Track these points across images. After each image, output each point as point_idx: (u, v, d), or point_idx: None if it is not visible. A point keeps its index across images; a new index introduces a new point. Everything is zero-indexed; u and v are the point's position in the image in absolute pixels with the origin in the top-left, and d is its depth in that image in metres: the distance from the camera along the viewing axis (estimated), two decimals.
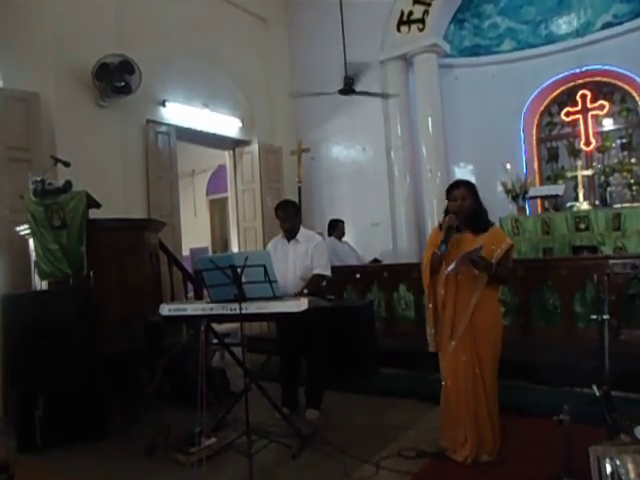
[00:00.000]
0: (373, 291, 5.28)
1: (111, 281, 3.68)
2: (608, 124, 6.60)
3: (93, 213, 3.68)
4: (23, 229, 3.74)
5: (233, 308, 2.67)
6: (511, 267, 2.67)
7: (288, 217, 3.46)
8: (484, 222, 2.63)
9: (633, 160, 6.28)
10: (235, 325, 4.20)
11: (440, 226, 2.65)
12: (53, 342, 3.17)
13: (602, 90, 6.61)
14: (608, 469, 1.77)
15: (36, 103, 4.47)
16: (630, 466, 1.74)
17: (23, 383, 3.18)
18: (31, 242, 3.68)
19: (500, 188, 6.37)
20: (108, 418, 3.26)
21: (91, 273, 3.47)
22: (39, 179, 3.56)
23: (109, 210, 3.90)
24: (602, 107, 6.52)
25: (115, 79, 4.80)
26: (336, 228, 6.00)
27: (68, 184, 3.66)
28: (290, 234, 3.49)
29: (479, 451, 2.50)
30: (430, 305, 2.67)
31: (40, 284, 3.70)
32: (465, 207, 2.57)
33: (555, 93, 6.91)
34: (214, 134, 6.53)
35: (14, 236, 3.92)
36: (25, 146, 4.36)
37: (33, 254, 3.69)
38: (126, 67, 4.84)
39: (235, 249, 7.05)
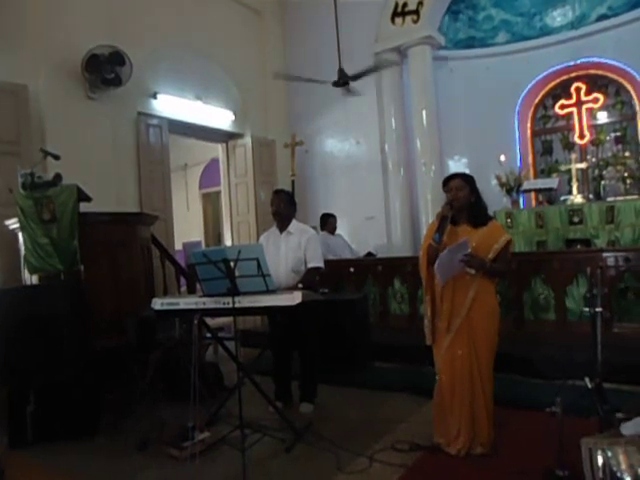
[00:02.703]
0: (367, 285, 5.28)
1: (103, 275, 3.65)
2: (602, 117, 6.60)
3: (84, 207, 3.64)
4: (12, 223, 3.70)
5: (226, 302, 2.65)
6: (509, 261, 2.67)
7: (279, 202, 3.47)
8: (483, 216, 2.61)
9: (627, 153, 6.29)
10: (228, 319, 4.21)
11: None
12: (44, 337, 3.14)
13: (597, 83, 6.60)
14: (600, 460, 1.78)
15: (25, 95, 4.40)
16: (621, 457, 1.75)
17: (13, 379, 3.15)
18: (20, 236, 3.64)
19: (494, 181, 6.37)
20: (100, 413, 3.24)
21: (82, 267, 3.43)
22: (28, 172, 3.52)
23: (100, 204, 3.86)
24: (596, 100, 6.52)
25: (105, 71, 4.74)
26: (327, 223, 5.97)
27: (58, 177, 3.62)
28: (281, 223, 3.48)
29: (472, 444, 2.50)
30: (427, 297, 2.65)
31: (30, 279, 3.66)
32: (460, 197, 2.55)
33: (549, 86, 6.89)
34: (207, 127, 6.47)
35: (3, 230, 3.87)
36: (14, 139, 4.30)
37: (23, 248, 3.64)
38: (116, 58, 4.77)
39: (228, 243, 7.02)
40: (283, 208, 3.47)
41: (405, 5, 6.53)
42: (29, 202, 3.44)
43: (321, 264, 3.43)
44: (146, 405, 3.20)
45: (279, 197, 3.51)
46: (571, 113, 6.70)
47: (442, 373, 2.59)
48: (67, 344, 3.19)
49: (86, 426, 3.13)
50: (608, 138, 6.53)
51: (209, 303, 2.79)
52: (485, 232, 2.55)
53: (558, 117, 6.91)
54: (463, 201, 2.56)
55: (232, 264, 2.57)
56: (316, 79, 5.67)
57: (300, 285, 3.21)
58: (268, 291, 2.73)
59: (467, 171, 6.89)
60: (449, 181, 2.62)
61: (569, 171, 6.19)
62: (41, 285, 3.55)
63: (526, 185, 6.29)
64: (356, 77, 5.68)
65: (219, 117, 6.59)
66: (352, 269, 5.35)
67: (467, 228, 2.58)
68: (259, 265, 2.65)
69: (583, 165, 6.31)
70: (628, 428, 1.86)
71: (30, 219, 3.45)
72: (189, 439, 2.67)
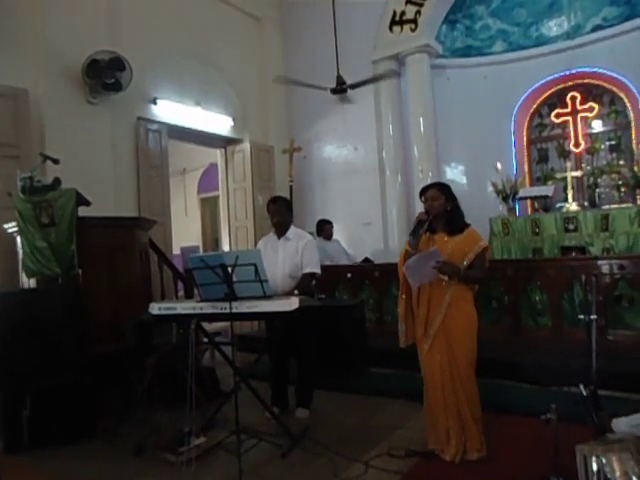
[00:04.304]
0: (364, 291, 5.29)
1: (101, 280, 3.65)
2: (597, 126, 6.67)
3: (83, 211, 3.65)
4: (10, 227, 3.70)
5: (223, 307, 2.66)
6: (487, 268, 2.67)
7: (278, 211, 3.48)
8: (459, 224, 2.65)
9: (621, 162, 6.35)
10: (225, 324, 4.21)
11: None
12: (41, 341, 3.14)
13: (592, 92, 6.68)
14: (594, 467, 1.80)
15: (25, 99, 4.42)
16: (615, 464, 1.77)
17: (10, 383, 3.14)
18: (19, 240, 3.64)
19: (490, 188, 6.42)
20: (97, 418, 3.23)
21: (80, 272, 3.43)
22: (27, 176, 3.53)
23: (99, 208, 3.87)
24: (591, 109, 6.59)
25: (105, 76, 4.76)
26: (323, 229, 5.98)
27: (57, 181, 3.63)
28: (280, 230, 3.49)
29: (467, 449, 2.52)
30: (402, 301, 2.72)
31: (28, 283, 3.66)
32: (435, 206, 2.61)
33: (545, 95, 6.96)
34: (206, 132, 6.50)
35: (1, 234, 3.87)
36: (13, 143, 4.31)
37: (21, 252, 3.64)
38: (117, 64, 4.80)
39: (226, 248, 7.03)
40: (283, 217, 3.48)
41: (403, 14, 6.60)
42: (28, 206, 3.45)
43: (317, 270, 3.44)
44: (143, 410, 3.20)
45: (277, 205, 3.50)
46: (567, 122, 6.75)
47: (425, 378, 2.64)
48: (64, 348, 3.19)
49: (83, 430, 3.12)
50: (603, 147, 6.59)
51: (206, 308, 2.79)
52: (461, 239, 2.60)
53: (554, 125, 6.97)
54: (438, 210, 2.61)
55: (230, 269, 2.59)
56: (315, 84, 5.72)
57: (296, 291, 3.22)
58: (265, 296, 2.75)
59: (464, 178, 7.02)
60: (425, 191, 2.69)
61: (564, 179, 6.24)
62: (38, 289, 3.55)
63: (522, 192, 6.34)
64: (355, 86, 5.74)
65: (218, 123, 6.62)
66: (349, 275, 5.36)
67: (443, 236, 2.63)
68: (256, 271, 2.67)
69: (578, 173, 6.36)
70: (620, 424, 1.87)
71: (28, 223, 3.45)
72: (185, 444, 2.68)
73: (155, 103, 5.73)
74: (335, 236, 6.18)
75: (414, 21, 6.53)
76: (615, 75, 6.32)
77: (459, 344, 2.53)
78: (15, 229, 3.61)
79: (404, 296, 2.71)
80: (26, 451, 3.00)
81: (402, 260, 2.65)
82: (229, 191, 7.09)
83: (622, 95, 6.43)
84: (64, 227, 3.45)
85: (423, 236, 2.62)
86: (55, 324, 3.19)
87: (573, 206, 5.93)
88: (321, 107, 6.82)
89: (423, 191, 2.71)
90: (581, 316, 2.67)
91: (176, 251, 6.60)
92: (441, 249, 2.51)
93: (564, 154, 6.79)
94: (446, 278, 2.53)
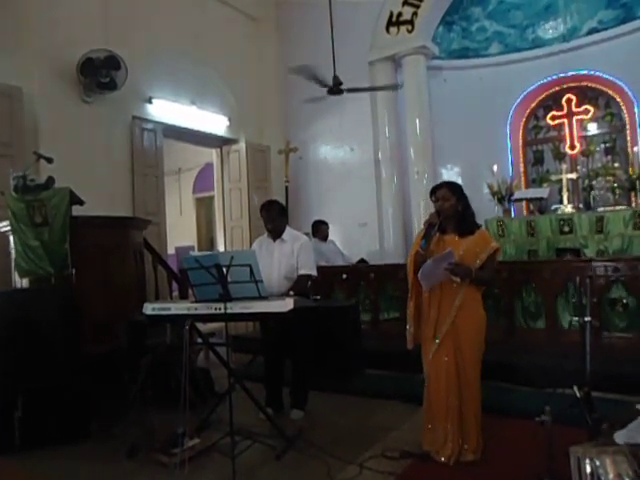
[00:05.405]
0: (359, 292, 5.28)
1: (94, 280, 3.62)
2: (592, 128, 6.71)
3: (76, 210, 3.62)
4: (3, 226, 3.67)
5: (218, 308, 2.64)
6: (496, 269, 2.68)
7: (272, 217, 3.44)
8: (470, 224, 2.62)
9: (616, 164, 6.39)
10: (220, 325, 4.19)
11: None
12: (34, 341, 3.11)
13: (587, 95, 6.71)
14: (588, 469, 1.79)
15: (19, 97, 4.38)
16: (609, 467, 1.76)
17: (2, 383, 3.10)
18: (11, 239, 3.61)
19: (486, 190, 6.43)
20: (90, 418, 3.20)
21: (73, 271, 3.41)
22: (21, 175, 3.51)
23: (93, 207, 3.84)
24: (587, 111, 6.63)
25: (100, 75, 4.74)
26: (319, 230, 5.97)
27: (50, 180, 3.61)
28: (275, 234, 3.47)
29: (462, 451, 2.51)
30: (412, 303, 2.68)
31: (21, 282, 3.63)
32: (446, 208, 2.57)
33: (541, 97, 7.00)
34: (201, 132, 6.48)
35: None
36: (7, 141, 4.28)
37: (13, 251, 3.61)
38: (112, 63, 4.78)
39: (221, 248, 7.01)
40: (277, 223, 3.45)
41: (400, 15, 6.61)
42: (21, 205, 3.42)
43: (313, 272, 3.43)
44: (136, 411, 3.18)
45: (271, 212, 3.44)
46: (562, 124, 6.79)
47: (429, 379, 2.61)
48: (57, 348, 3.16)
49: (75, 431, 3.09)
50: (598, 149, 6.63)
51: (201, 309, 2.78)
52: (472, 241, 2.57)
53: (549, 128, 7.01)
54: (450, 211, 2.58)
55: (224, 270, 2.57)
56: (315, 93, 5.74)
57: (291, 292, 3.21)
58: (260, 297, 2.73)
59: (459, 179, 7.00)
60: (436, 191, 2.64)
61: (560, 181, 6.25)
62: (31, 289, 3.52)
63: (517, 194, 6.35)
64: (352, 90, 5.75)
65: (214, 122, 6.60)
66: (345, 276, 5.35)
67: (454, 237, 2.60)
68: (252, 271, 2.66)
69: (573, 175, 6.37)
70: (621, 436, 1.87)
71: (21, 222, 3.42)
72: (179, 445, 2.66)
73: (150, 102, 5.70)
74: (331, 237, 6.17)
75: (411, 22, 6.55)
76: (610, 78, 6.36)
77: (468, 344, 2.51)
78: (8, 228, 3.58)
79: (412, 303, 2.67)
80: (17, 452, 2.97)
81: (412, 262, 2.61)
82: (224, 191, 7.08)
83: (617, 98, 6.47)
84: (57, 226, 3.43)
85: (434, 237, 2.58)
86: (48, 324, 3.16)
87: (568, 208, 5.95)
88: (317, 107, 6.79)
89: (433, 190, 2.65)
90: (576, 318, 2.68)
91: (171, 251, 6.58)
92: (453, 250, 2.48)
93: (559, 156, 6.81)
94: (458, 280, 2.50)
